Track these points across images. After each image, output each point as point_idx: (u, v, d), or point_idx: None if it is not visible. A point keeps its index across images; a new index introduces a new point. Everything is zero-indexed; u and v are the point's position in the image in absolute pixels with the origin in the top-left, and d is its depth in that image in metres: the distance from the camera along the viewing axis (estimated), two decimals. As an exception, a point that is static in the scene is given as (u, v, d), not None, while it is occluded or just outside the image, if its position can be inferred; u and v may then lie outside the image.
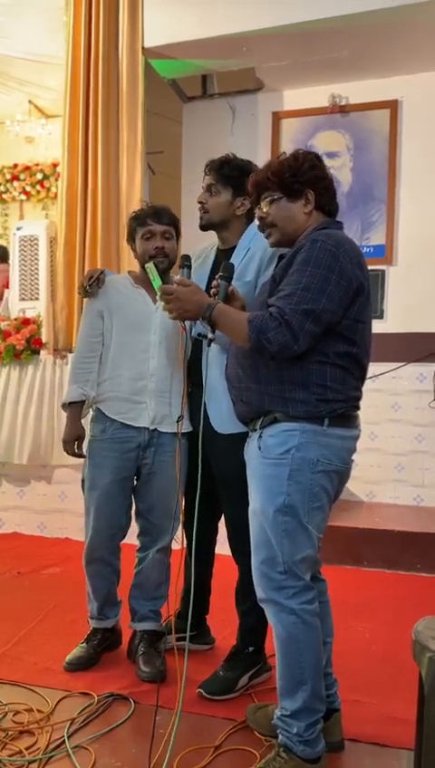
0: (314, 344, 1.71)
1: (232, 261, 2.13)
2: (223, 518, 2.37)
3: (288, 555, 1.74)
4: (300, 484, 1.73)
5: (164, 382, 2.37)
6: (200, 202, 2.30)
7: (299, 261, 1.72)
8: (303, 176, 1.82)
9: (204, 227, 2.33)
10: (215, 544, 2.54)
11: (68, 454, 2.42)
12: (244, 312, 1.85)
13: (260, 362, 1.78)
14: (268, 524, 1.76)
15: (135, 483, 2.46)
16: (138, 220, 2.42)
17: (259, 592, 1.82)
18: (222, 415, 2.16)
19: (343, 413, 1.77)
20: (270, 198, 1.85)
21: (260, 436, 1.80)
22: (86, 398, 2.40)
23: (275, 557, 1.75)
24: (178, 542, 2.41)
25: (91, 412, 2.48)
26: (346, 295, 1.71)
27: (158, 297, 1.97)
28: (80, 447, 2.41)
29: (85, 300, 2.49)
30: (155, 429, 2.37)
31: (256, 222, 2.14)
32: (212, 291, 1.91)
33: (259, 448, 1.80)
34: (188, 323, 2.23)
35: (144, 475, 2.42)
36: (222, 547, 2.39)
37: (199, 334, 2.23)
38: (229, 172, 2.25)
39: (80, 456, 2.42)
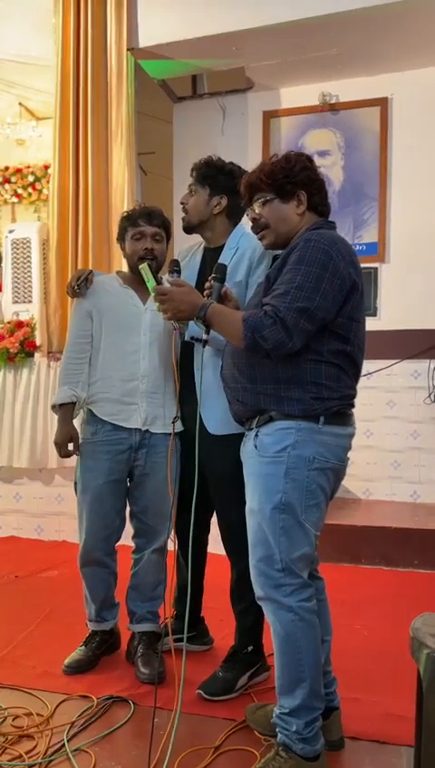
0: (309, 343, 1.72)
1: (220, 261, 2.13)
2: (216, 518, 2.37)
3: (286, 553, 1.75)
4: (296, 481, 1.73)
5: (156, 383, 2.37)
6: (182, 203, 2.33)
7: (293, 260, 1.73)
8: (295, 177, 1.83)
9: (185, 229, 2.35)
10: (207, 544, 2.54)
11: (60, 456, 2.41)
12: (238, 311, 1.85)
13: (256, 362, 1.78)
14: (266, 522, 1.76)
15: (128, 484, 2.45)
16: (129, 220, 2.42)
17: (257, 590, 1.82)
18: (216, 417, 2.16)
19: (338, 411, 1.78)
20: (263, 200, 1.86)
21: (256, 435, 1.81)
22: (77, 399, 2.39)
23: (272, 555, 1.76)
24: (175, 542, 2.42)
25: (81, 414, 2.47)
26: (340, 293, 1.72)
27: (151, 297, 1.97)
28: (76, 448, 2.40)
29: (74, 300, 2.49)
30: (147, 431, 2.37)
31: (244, 223, 2.15)
32: (205, 292, 1.92)
33: (255, 447, 1.80)
34: (180, 326, 2.24)
35: (137, 476, 2.41)
36: (217, 547, 2.39)
37: (193, 337, 2.23)
38: (206, 172, 2.28)
39: (71, 454, 2.40)
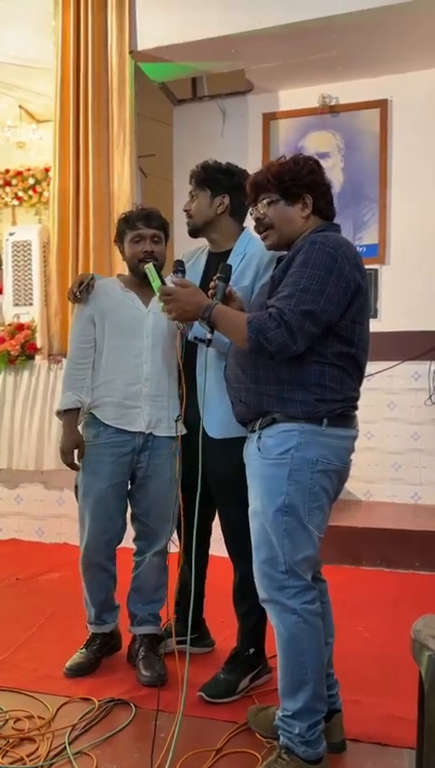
0: (313, 345, 1.72)
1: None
2: (218, 520, 2.37)
3: (289, 555, 1.75)
4: (300, 483, 1.74)
5: (159, 386, 2.36)
6: (185, 210, 2.33)
7: (298, 262, 1.73)
8: (302, 180, 1.84)
9: (191, 233, 2.36)
10: (208, 547, 2.54)
11: (65, 463, 2.39)
12: (243, 312, 1.86)
13: (259, 363, 1.78)
14: (269, 524, 1.76)
15: (129, 487, 2.45)
16: (127, 222, 2.42)
17: (261, 593, 1.82)
18: (217, 420, 2.16)
19: (342, 413, 1.78)
20: (268, 200, 1.86)
21: (259, 437, 1.81)
22: (81, 404, 2.38)
23: (276, 557, 1.76)
24: (177, 544, 2.41)
25: (84, 418, 2.46)
26: (344, 296, 1.72)
27: (154, 300, 1.97)
28: (80, 456, 2.39)
29: (76, 305, 2.49)
30: (150, 433, 2.36)
31: (251, 227, 2.14)
32: (210, 292, 1.92)
33: (258, 449, 1.80)
34: (184, 326, 2.24)
35: (139, 478, 2.41)
36: (219, 549, 2.39)
37: (196, 337, 2.23)
38: (205, 175, 2.29)
39: (75, 467, 2.40)
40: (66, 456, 2.38)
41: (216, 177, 2.28)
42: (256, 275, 2.20)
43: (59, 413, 2.41)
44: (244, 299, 2.06)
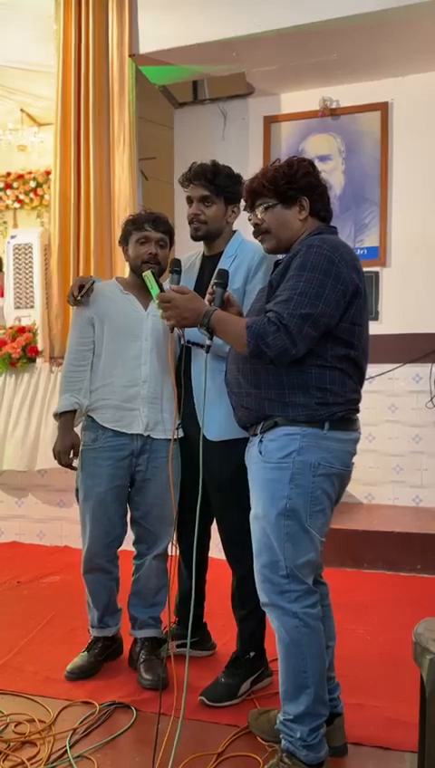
0: (313, 348, 1.72)
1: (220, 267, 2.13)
2: (216, 524, 2.36)
3: (290, 559, 1.74)
4: (301, 487, 1.73)
5: (157, 388, 2.36)
6: (196, 214, 2.29)
7: (295, 266, 1.73)
8: (297, 183, 1.83)
9: (201, 239, 2.33)
10: (208, 550, 2.53)
11: (61, 465, 2.39)
12: (242, 317, 1.85)
13: (260, 367, 1.78)
14: (270, 528, 1.76)
15: (129, 490, 2.44)
16: (135, 224, 2.42)
17: (262, 596, 1.81)
18: (216, 423, 2.16)
19: (343, 416, 1.78)
20: (265, 205, 1.86)
21: (261, 441, 1.80)
22: (79, 406, 2.38)
23: (277, 561, 1.75)
24: (177, 547, 2.41)
25: (82, 421, 2.46)
26: (343, 299, 1.72)
27: (155, 305, 1.97)
28: (75, 456, 2.39)
29: (74, 308, 2.48)
30: (148, 436, 2.36)
31: (238, 229, 2.13)
32: (208, 298, 1.92)
33: (260, 453, 1.80)
34: (182, 332, 2.24)
35: (138, 482, 2.41)
36: (220, 552, 2.39)
37: (190, 342, 2.23)
38: (222, 182, 2.27)
39: (72, 467, 2.40)
40: (62, 457, 2.37)
41: (231, 187, 2.27)
42: (246, 277, 2.21)
43: (56, 415, 2.41)
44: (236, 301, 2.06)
